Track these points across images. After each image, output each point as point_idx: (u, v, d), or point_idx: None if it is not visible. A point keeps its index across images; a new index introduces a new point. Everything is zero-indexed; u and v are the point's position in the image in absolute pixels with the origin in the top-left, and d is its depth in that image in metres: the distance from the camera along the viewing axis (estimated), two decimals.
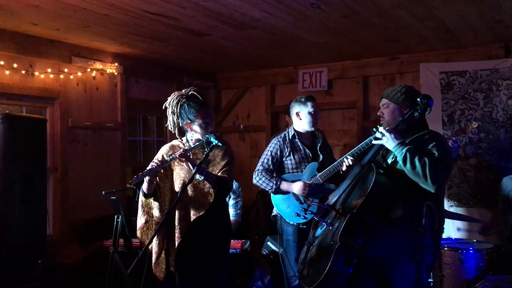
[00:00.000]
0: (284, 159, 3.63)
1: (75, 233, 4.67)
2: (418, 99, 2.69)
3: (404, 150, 2.58)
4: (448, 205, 4.73)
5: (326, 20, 3.92)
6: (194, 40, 4.54)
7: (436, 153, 2.63)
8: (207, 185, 2.88)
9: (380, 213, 2.64)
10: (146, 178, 2.77)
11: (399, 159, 2.60)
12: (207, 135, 2.83)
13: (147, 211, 2.99)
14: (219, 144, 2.77)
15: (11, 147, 3.47)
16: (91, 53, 4.88)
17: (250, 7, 3.54)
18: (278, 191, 3.55)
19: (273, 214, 3.75)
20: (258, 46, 4.87)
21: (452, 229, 4.60)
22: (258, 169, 3.63)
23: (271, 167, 3.61)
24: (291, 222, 3.54)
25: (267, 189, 3.60)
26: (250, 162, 6.34)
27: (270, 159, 3.62)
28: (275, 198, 3.63)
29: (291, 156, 3.61)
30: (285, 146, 3.63)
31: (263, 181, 3.56)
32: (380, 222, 2.63)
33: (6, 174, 3.46)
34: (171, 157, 2.81)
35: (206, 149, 2.84)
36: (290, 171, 3.62)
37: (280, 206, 3.61)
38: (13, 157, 3.48)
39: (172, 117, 3.01)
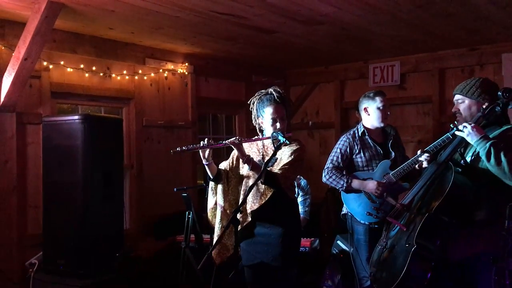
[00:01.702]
0: (354, 156, 3.53)
1: (150, 227, 4.86)
2: (499, 93, 2.50)
3: (487, 145, 2.40)
4: None
5: (398, 12, 3.76)
6: (262, 38, 4.55)
7: None
8: None
9: (460, 215, 2.49)
10: (204, 161, 2.87)
11: (482, 154, 2.41)
12: (274, 133, 2.82)
13: (215, 193, 3.06)
14: (287, 142, 2.75)
15: (91, 145, 3.66)
16: (163, 54, 5.05)
17: (317, 2, 3.49)
18: (349, 189, 3.46)
19: (342, 212, 3.66)
20: (327, 41, 4.79)
21: None
22: (327, 167, 3.55)
23: (340, 164, 3.52)
24: (362, 221, 3.44)
25: (337, 187, 3.51)
26: (319, 159, 6.27)
27: (339, 156, 3.54)
28: (345, 197, 3.55)
29: (361, 153, 3.51)
30: (354, 143, 3.53)
31: (334, 179, 3.48)
32: (462, 224, 2.48)
33: (87, 171, 3.66)
34: (220, 142, 2.85)
35: (273, 147, 2.84)
36: (361, 169, 3.51)
37: (351, 204, 3.52)
38: (92, 155, 3.68)
39: (252, 113, 3.06)
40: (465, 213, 2.50)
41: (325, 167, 3.57)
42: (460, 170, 2.56)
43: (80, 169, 3.65)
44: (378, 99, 3.51)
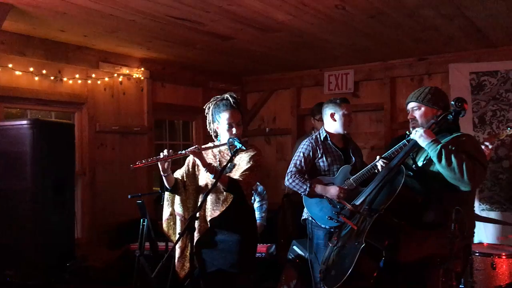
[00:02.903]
0: (316, 160, 3.58)
1: (103, 236, 4.74)
2: (452, 102, 2.62)
3: (438, 147, 2.51)
4: (479, 209, 4.60)
5: (352, 22, 3.86)
6: (219, 44, 4.55)
7: (473, 153, 2.55)
8: None
9: (410, 217, 2.58)
10: (162, 173, 2.83)
11: (433, 156, 2.51)
12: (231, 139, 2.83)
13: (171, 204, 3.02)
14: (243, 148, 2.76)
15: (40, 151, 3.54)
16: (118, 59, 4.95)
17: (274, 10, 3.53)
18: (312, 194, 3.50)
19: (303, 218, 3.70)
20: (283, 49, 4.85)
21: (483, 234, 4.46)
22: (291, 171, 3.57)
23: (304, 168, 3.56)
24: (323, 226, 3.49)
25: (300, 192, 3.54)
26: (276, 165, 6.32)
27: (303, 160, 3.58)
28: (307, 201, 3.59)
29: (324, 157, 3.56)
30: (317, 147, 3.59)
31: (297, 183, 3.50)
32: (411, 226, 2.57)
33: (36, 178, 3.53)
34: (180, 152, 2.83)
35: (230, 153, 2.84)
36: (322, 173, 3.57)
37: (313, 209, 3.55)
38: (42, 162, 3.55)
39: (207, 119, 3.05)
40: (414, 216, 2.59)
41: (288, 171, 3.60)
42: (411, 174, 2.66)
43: (29, 176, 3.52)
44: (344, 106, 3.60)
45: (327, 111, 3.65)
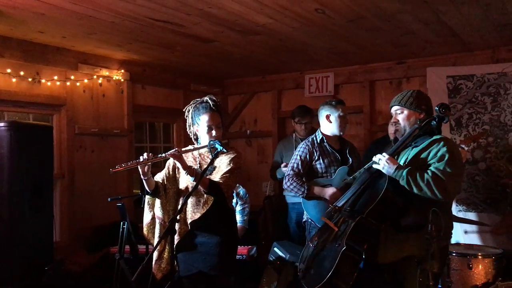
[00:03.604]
0: (313, 163, 3.61)
1: (82, 239, 4.68)
2: (436, 107, 2.67)
3: (404, 174, 2.56)
4: (456, 210, 4.69)
5: (332, 25, 3.91)
6: (200, 47, 4.55)
7: (445, 162, 2.59)
8: None
9: (391, 220, 2.62)
10: (142, 176, 2.81)
11: (403, 184, 2.57)
12: (211, 141, 2.83)
13: (151, 208, 3.00)
14: (224, 150, 2.77)
15: (17, 154, 3.49)
16: (98, 60, 4.91)
17: (254, 13, 3.55)
18: (310, 196, 3.52)
19: (303, 220, 3.73)
20: (264, 52, 4.87)
21: (460, 234, 4.55)
22: (288, 174, 3.61)
23: (301, 171, 3.59)
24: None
25: (298, 194, 3.57)
26: (257, 167, 6.34)
27: (299, 163, 3.61)
28: (305, 204, 3.61)
29: (320, 160, 3.60)
30: (314, 150, 3.62)
31: (294, 186, 3.53)
32: (392, 228, 2.61)
33: (14, 181, 3.48)
34: (160, 155, 2.82)
35: (211, 155, 2.85)
36: (320, 175, 3.60)
37: (311, 211, 3.58)
38: (20, 164, 3.50)
39: (187, 121, 3.05)
40: (394, 219, 2.63)
41: (285, 174, 3.63)
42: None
43: (6, 179, 3.46)
44: (340, 107, 3.64)
45: (322, 113, 3.69)
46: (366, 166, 2.89)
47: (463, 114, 4.84)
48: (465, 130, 4.80)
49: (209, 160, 2.93)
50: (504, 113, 4.66)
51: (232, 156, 2.96)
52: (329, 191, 3.45)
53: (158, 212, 2.96)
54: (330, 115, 3.65)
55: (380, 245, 2.64)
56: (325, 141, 3.66)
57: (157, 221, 2.97)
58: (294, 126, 5.02)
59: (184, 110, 3.09)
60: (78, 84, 4.75)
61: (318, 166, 3.60)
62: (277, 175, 4.92)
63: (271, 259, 4.27)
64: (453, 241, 3.99)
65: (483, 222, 4.42)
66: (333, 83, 5.78)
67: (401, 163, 2.74)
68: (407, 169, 2.57)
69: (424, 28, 4.04)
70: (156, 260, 2.95)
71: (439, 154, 2.62)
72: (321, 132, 3.71)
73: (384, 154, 2.68)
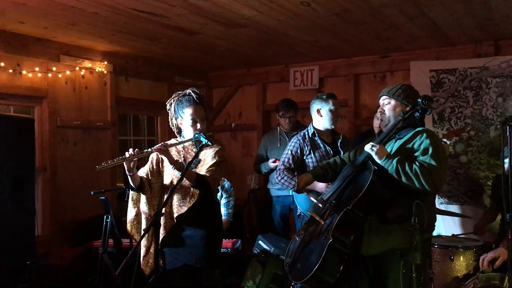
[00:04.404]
0: (305, 157, 3.62)
1: (64, 233, 4.63)
2: (419, 100, 2.70)
3: (394, 163, 2.60)
4: (438, 203, 4.75)
5: (317, 19, 3.90)
6: (184, 39, 4.51)
7: (430, 155, 2.62)
8: None
9: (377, 212, 2.64)
10: (127, 172, 2.78)
11: (392, 173, 2.60)
12: (196, 134, 2.82)
13: (136, 204, 2.97)
14: (209, 143, 2.76)
15: None
16: (80, 52, 4.83)
17: (240, 5, 3.52)
18: (300, 189, 3.54)
19: (297, 213, 3.75)
20: (249, 45, 4.85)
21: (442, 226, 4.62)
22: (279, 168, 3.63)
23: (292, 166, 3.61)
24: None
25: (289, 188, 3.59)
26: (242, 160, 6.33)
27: (290, 158, 3.62)
28: (298, 197, 3.63)
29: (312, 154, 3.61)
30: (305, 144, 3.63)
31: (285, 180, 3.55)
32: (378, 220, 2.64)
33: None
34: (146, 150, 2.79)
35: (196, 148, 2.83)
36: (312, 169, 3.61)
37: (302, 204, 3.61)
38: (0, 157, 3.43)
39: (170, 114, 3.02)
40: (380, 211, 2.66)
41: (276, 169, 3.65)
42: (377, 169, 2.72)
43: None
44: (331, 101, 3.65)
45: (314, 107, 3.70)
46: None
47: (445, 108, 4.89)
48: (447, 124, 4.85)
49: (193, 153, 2.91)
50: (486, 107, 4.73)
51: (216, 149, 2.95)
52: (320, 184, 3.46)
53: (143, 207, 2.94)
54: (320, 109, 3.66)
55: (364, 238, 2.67)
56: (317, 135, 3.67)
57: (143, 216, 2.95)
58: (278, 120, 5.02)
59: (166, 103, 3.07)
60: (60, 75, 4.67)
61: (310, 160, 3.62)
62: (262, 169, 4.92)
63: (256, 252, 4.28)
64: (434, 233, 4.04)
65: (464, 215, 4.49)
66: (318, 76, 5.78)
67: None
68: (397, 158, 2.61)
69: (408, 22, 4.06)
70: (144, 256, 2.93)
71: (422, 146, 2.65)
72: (313, 126, 3.71)
73: (375, 144, 2.71)
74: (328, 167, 3.17)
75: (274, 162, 4.65)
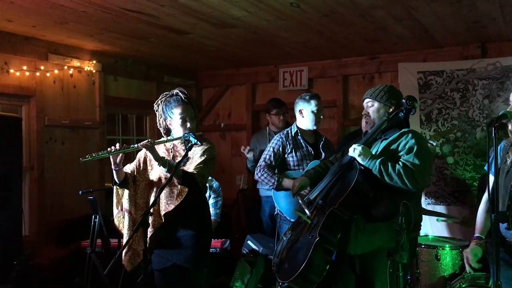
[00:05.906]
0: (286, 155, 3.65)
1: (52, 233, 4.59)
2: (403, 100, 2.74)
3: (377, 163, 2.63)
4: (425, 203, 4.80)
5: (306, 20, 3.93)
6: (174, 38, 4.50)
7: (414, 154, 2.65)
8: None
9: (363, 211, 2.67)
10: (113, 166, 2.78)
11: (375, 173, 2.63)
12: (185, 134, 2.81)
13: (120, 199, 2.97)
14: (198, 143, 2.76)
15: None
16: (69, 50, 4.80)
17: (229, 6, 3.53)
18: (279, 187, 3.55)
19: (275, 213, 3.76)
20: (239, 45, 4.86)
21: (429, 226, 4.66)
22: (260, 165, 3.64)
23: (273, 163, 3.63)
24: (291, 219, 3.54)
25: (268, 185, 3.60)
26: (231, 160, 6.34)
27: (272, 155, 3.64)
28: (276, 195, 3.64)
29: (293, 153, 3.63)
30: (287, 142, 3.65)
31: (265, 177, 3.57)
32: (363, 219, 2.66)
33: None
34: (132, 146, 2.79)
35: (184, 147, 2.83)
36: (292, 168, 3.63)
37: (281, 203, 3.61)
38: None
39: (158, 115, 3.01)
40: (366, 210, 2.68)
41: (257, 165, 3.65)
42: (363, 168, 2.74)
43: None
44: (313, 102, 3.67)
45: (297, 107, 3.73)
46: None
47: (433, 109, 4.94)
48: (434, 125, 4.91)
49: (182, 152, 2.91)
50: (472, 108, 4.79)
51: (205, 147, 2.95)
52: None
53: (125, 203, 2.93)
54: (302, 109, 3.69)
55: (351, 237, 2.69)
56: (300, 134, 3.70)
57: (126, 213, 2.94)
58: (269, 119, 5.03)
59: (154, 104, 3.06)
60: (48, 74, 4.64)
61: (291, 159, 3.64)
62: (248, 165, 4.93)
63: (245, 252, 4.29)
64: (421, 233, 4.08)
65: (451, 215, 4.55)
66: (307, 77, 5.81)
67: None
68: (380, 159, 2.64)
69: (396, 24, 4.10)
70: (125, 252, 2.92)
71: (407, 146, 2.69)
72: (296, 125, 3.74)
73: (358, 144, 2.73)
74: (323, 172, 3.12)
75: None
